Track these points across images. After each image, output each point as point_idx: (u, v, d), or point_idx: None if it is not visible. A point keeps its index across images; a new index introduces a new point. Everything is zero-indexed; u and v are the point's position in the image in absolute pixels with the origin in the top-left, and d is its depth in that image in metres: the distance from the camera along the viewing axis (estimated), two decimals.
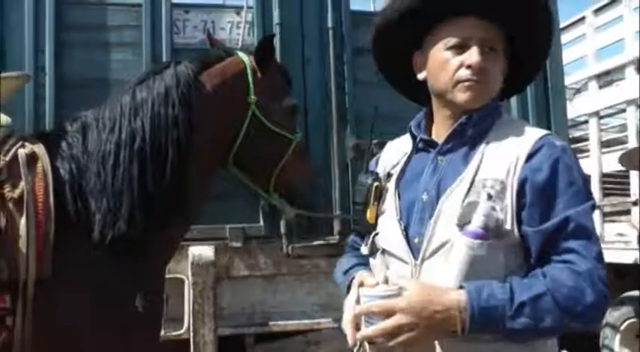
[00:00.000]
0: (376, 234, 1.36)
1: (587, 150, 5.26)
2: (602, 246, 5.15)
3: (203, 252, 2.83)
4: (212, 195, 2.37)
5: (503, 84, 1.34)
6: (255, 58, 2.30)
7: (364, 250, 1.38)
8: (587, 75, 5.20)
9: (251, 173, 2.35)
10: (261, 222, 3.01)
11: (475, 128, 1.31)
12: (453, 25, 1.29)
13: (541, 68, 1.50)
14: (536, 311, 1.12)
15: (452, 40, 1.28)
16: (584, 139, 5.36)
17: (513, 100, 3.36)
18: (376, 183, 1.37)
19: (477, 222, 1.17)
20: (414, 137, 1.41)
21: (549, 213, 1.19)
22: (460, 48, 1.27)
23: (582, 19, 5.26)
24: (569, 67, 5.76)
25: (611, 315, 5.04)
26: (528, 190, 1.21)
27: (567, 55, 5.58)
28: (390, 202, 1.35)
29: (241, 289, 2.97)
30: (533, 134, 1.28)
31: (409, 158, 1.41)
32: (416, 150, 1.40)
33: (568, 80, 5.81)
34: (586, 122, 5.42)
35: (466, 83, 1.26)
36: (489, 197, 1.19)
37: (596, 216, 4.94)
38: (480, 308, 1.11)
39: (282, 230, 2.95)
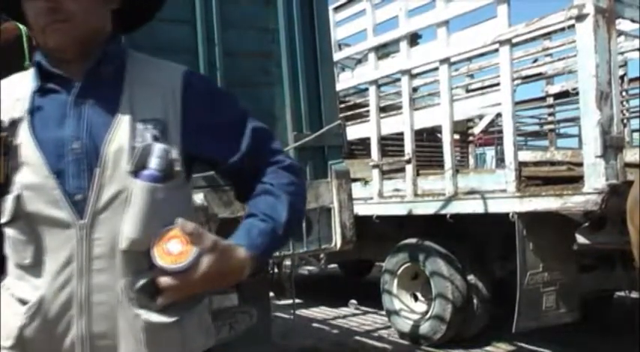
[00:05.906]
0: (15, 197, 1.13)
1: (368, 115, 5.78)
2: (381, 200, 5.60)
3: None
4: None
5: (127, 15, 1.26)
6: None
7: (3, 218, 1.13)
8: (367, 47, 5.66)
9: None
10: None
11: (110, 65, 1.21)
12: None
13: None
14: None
15: None
16: (365, 105, 5.87)
17: (285, 68, 3.61)
18: (3, 134, 1.13)
19: (153, 165, 1.12)
20: (45, 74, 1.20)
21: (239, 141, 1.24)
22: None
23: None
24: (352, 39, 6.25)
25: (390, 262, 5.48)
26: (200, 125, 1.21)
27: (350, 29, 6.05)
28: (31, 155, 1.13)
29: None
30: (175, 68, 1.27)
31: (33, 99, 1.18)
32: (42, 89, 1.20)
33: (350, 51, 6.32)
34: (366, 90, 5.94)
35: (47, 28, 1.14)
36: (156, 138, 1.14)
37: (376, 173, 5.50)
38: (262, 253, 1.17)
39: None
